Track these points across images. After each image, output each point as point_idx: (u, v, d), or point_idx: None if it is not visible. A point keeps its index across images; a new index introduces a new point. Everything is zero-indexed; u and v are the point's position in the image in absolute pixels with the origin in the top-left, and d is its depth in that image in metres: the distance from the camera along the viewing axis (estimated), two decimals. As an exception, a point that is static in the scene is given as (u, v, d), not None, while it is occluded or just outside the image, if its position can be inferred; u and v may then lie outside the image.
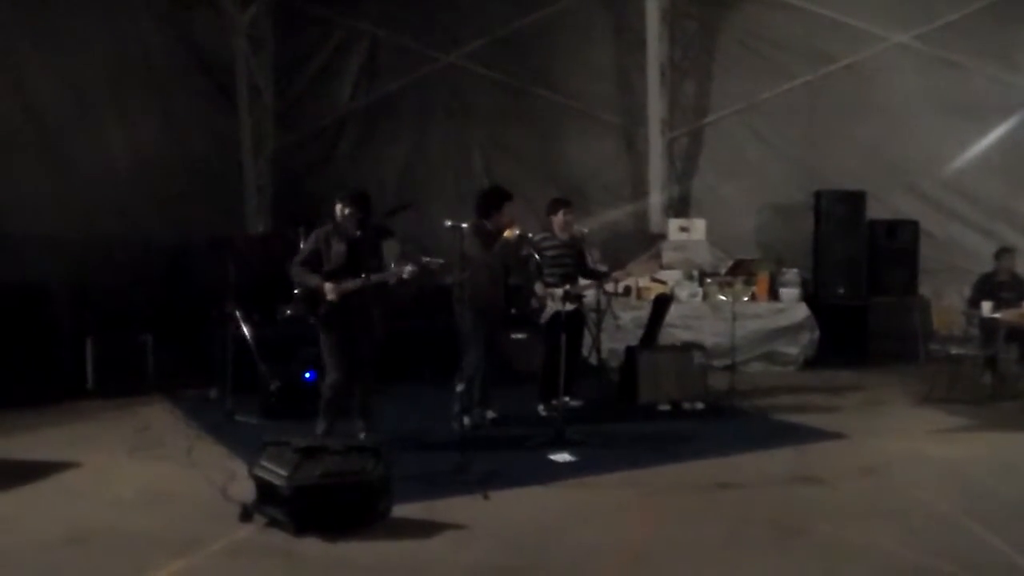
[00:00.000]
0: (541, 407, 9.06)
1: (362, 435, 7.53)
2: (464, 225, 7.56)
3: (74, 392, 9.97)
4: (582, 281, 9.28)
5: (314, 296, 7.52)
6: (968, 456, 7.66)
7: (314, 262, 7.57)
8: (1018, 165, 12.19)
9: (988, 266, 10.94)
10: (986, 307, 9.97)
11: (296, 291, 8.18)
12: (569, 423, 7.98)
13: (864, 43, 12.69)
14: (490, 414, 8.73)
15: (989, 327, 10.12)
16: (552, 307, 8.66)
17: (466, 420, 7.68)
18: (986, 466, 7.39)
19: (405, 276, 7.55)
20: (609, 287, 9.86)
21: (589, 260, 9.61)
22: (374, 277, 7.53)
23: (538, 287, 8.80)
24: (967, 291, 11.11)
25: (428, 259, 7.73)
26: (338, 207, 7.57)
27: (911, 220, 12.51)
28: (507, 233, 8.36)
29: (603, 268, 9.56)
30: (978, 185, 12.44)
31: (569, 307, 8.73)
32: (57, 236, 10.69)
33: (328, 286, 7.43)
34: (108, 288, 11.01)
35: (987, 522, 5.88)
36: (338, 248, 7.55)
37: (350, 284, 7.46)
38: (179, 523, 5.99)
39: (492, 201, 8.60)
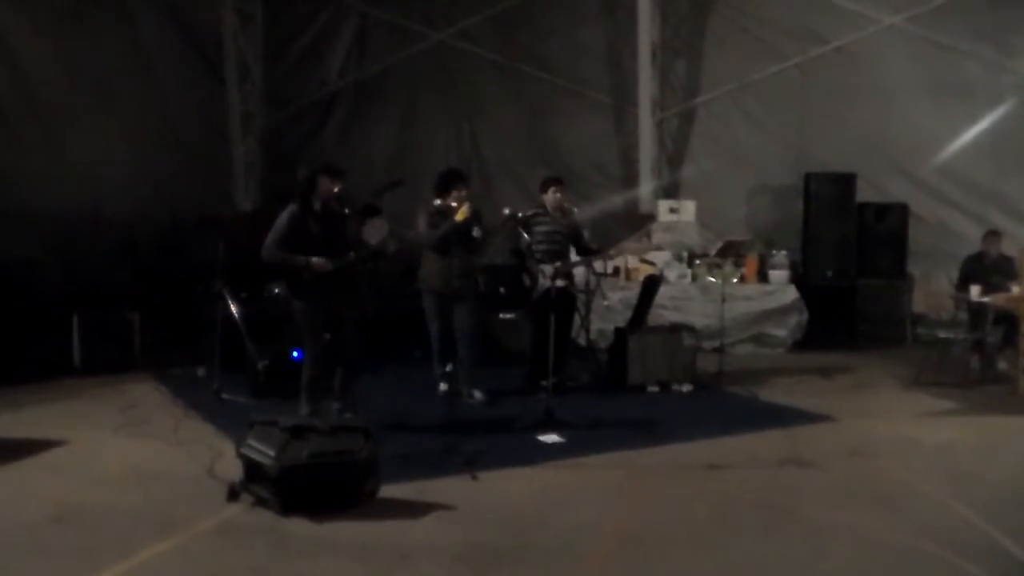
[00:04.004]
0: (528, 387, 9.07)
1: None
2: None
3: (60, 369, 9.93)
4: (573, 258, 9.30)
5: (296, 272, 7.39)
6: (955, 439, 7.69)
7: (288, 245, 7.35)
8: (1009, 149, 12.17)
9: (977, 249, 10.96)
10: (974, 291, 9.98)
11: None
12: (558, 404, 7.96)
13: (856, 25, 12.64)
14: (478, 394, 8.72)
15: (977, 311, 10.15)
16: (544, 284, 8.66)
17: (442, 386, 7.71)
18: (973, 449, 7.42)
19: (390, 248, 7.55)
20: (598, 266, 9.87)
21: (585, 237, 9.61)
22: (359, 254, 7.47)
23: (530, 263, 8.83)
24: (955, 274, 11.13)
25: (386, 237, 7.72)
26: (324, 182, 7.43)
27: (900, 203, 12.51)
28: (458, 216, 8.42)
29: (594, 246, 9.55)
30: (968, 169, 12.42)
31: (560, 283, 8.72)
32: (44, 213, 10.62)
33: (319, 260, 7.30)
34: (95, 265, 10.98)
35: (974, 505, 5.90)
36: (314, 229, 7.38)
37: (339, 261, 7.38)
38: (165, 502, 5.97)
39: (443, 183, 8.69)
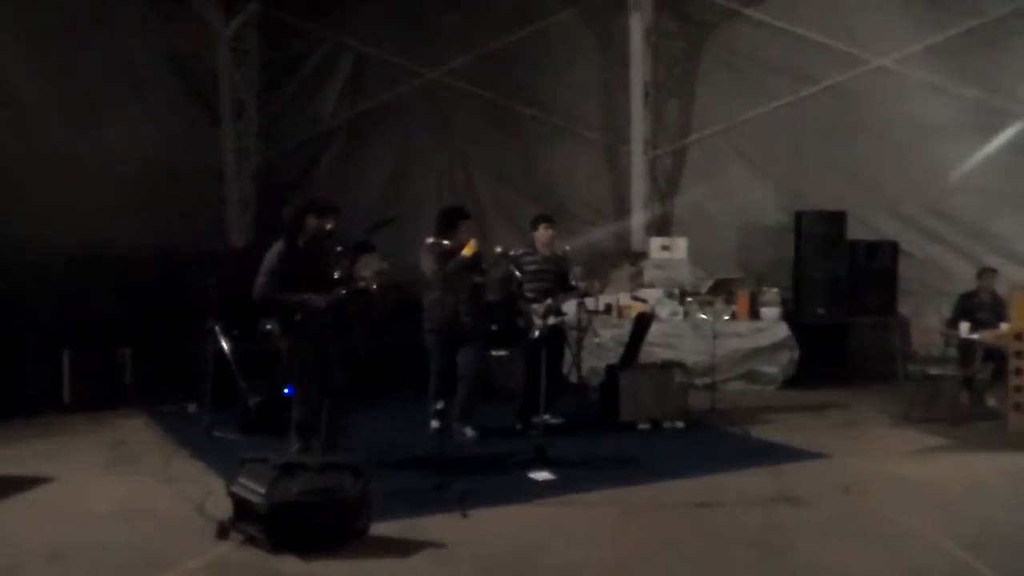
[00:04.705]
0: (520, 425, 9.07)
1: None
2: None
3: (50, 405, 9.91)
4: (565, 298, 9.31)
5: (288, 309, 7.37)
6: (945, 476, 7.69)
7: (278, 284, 7.33)
8: (997, 187, 12.26)
9: (966, 286, 11.03)
10: (964, 327, 10.04)
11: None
12: (549, 441, 7.95)
13: (846, 65, 12.75)
14: (469, 431, 8.71)
15: (967, 347, 10.19)
16: (539, 324, 8.67)
17: (434, 423, 7.78)
18: (963, 486, 7.42)
19: (373, 285, 7.58)
20: (590, 303, 9.88)
21: (571, 277, 9.62)
22: (348, 289, 7.48)
23: (521, 304, 8.85)
24: (946, 311, 11.18)
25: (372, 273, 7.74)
26: (312, 221, 7.43)
27: (891, 241, 12.57)
28: (465, 251, 8.49)
29: (575, 284, 9.51)
30: (957, 207, 12.51)
31: (552, 321, 8.74)
32: (36, 247, 10.58)
33: (315, 296, 7.29)
34: (87, 300, 10.95)
35: (963, 542, 5.89)
36: (301, 267, 7.36)
37: (332, 295, 7.39)
38: (155, 540, 5.95)
39: (449, 220, 8.73)
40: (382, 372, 10.44)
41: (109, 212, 11.74)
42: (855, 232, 12.55)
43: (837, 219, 12.41)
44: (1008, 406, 9.18)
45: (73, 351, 10.20)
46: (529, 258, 9.12)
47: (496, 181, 14.35)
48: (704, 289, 12.10)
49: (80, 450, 8.36)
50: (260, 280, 7.36)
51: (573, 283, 9.43)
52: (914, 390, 10.07)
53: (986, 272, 10.83)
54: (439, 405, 7.73)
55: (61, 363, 10.14)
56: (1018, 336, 9.11)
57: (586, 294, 9.37)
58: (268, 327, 10.02)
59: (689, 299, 12.23)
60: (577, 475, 7.50)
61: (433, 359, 8.74)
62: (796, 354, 11.98)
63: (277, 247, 7.45)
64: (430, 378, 8.74)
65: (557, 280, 9.24)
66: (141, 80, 12.96)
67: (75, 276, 11.06)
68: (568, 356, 9.68)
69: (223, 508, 6.09)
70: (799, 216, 12.55)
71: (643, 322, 10.44)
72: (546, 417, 8.28)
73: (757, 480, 7.55)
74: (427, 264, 8.60)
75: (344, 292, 7.44)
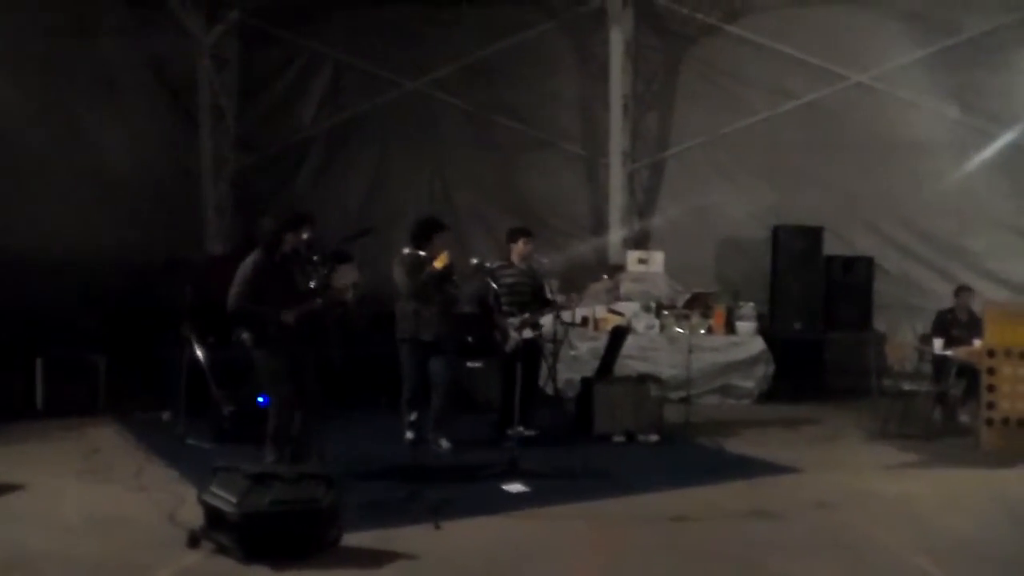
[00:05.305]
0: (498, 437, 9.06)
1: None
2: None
3: (23, 412, 9.83)
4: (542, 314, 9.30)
5: (262, 320, 7.36)
6: (918, 491, 7.72)
7: (253, 295, 7.34)
8: (973, 205, 12.40)
9: (941, 303, 11.12)
10: (938, 344, 10.13)
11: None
12: (524, 453, 7.94)
13: (825, 81, 12.86)
14: (444, 443, 8.70)
15: (940, 363, 10.26)
16: (515, 337, 8.66)
17: (408, 434, 7.75)
18: (935, 501, 7.46)
19: (349, 295, 7.59)
20: (566, 316, 9.89)
21: (547, 290, 9.62)
22: (324, 299, 7.48)
23: (497, 317, 8.86)
24: (920, 327, 11.25)
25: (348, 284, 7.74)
26: (294, 236, 7.45)
27: (867, 256, 12.65)
28: (436, 263, 8.51)
29: (551, 298, 9.51)
30: (934, 224, 12.65)
31: (528, 334, 8.75)
32: (8, 253, 10.54)
33: (286, 314, 7.28)
34: (61, 307, 10.87)
35: (935, 557, 5.92)
36: (277, 279, 7.39)
37: (305, 307, 7.38)
38: (125, 549, 5.90)
39: (424, 231, 8.78)
40: (357, 382, 10.40)
41: (84, 218, 11.71)
42: (831, 247, 12.62)
43: (814, 234, 12.48)
44: (980, 422, 9.25)
45: (46, 358, 10.13)
46: (505, 271, 9.13)
47: (475, 192, 14.35)
48: (680, 303, 12.14)
49: (52, 458, 8.30)
50: (234, 290, 7.36)
51: (550, 296, 9.43)
52: (888, 405, 10.11)
53: (963, 290, 10.91)
54: (413, 416, 7.72)
55: (34, 370, 10.07)
56: (990, 353, 9.19)
57: (563, 308, 9.36)
58: (244, 335, 10.03)
59: (665, 312, 12.25)
60: (550, 487, 7.49)
61: (405, 369, 8.76)
62: (771, 368, 12.02)
63: (252, 258, 7.44)
64: (403, 388, 8.76)
65: (533, 293, 9.25)
66: (119, 86, 12.91)
67: (49, 282, 10.96)
68: (544, 368, 9.67)
69: (195, 517, 6.04)
70: (776, 231, 12.61)
71: (619, 335, 10.46)
72: (520, 429, 8.27)
73: (731, 494, 7.57)
74: (399, 275, 8.64)
75: (320, 302, 7.43)
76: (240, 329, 7.65)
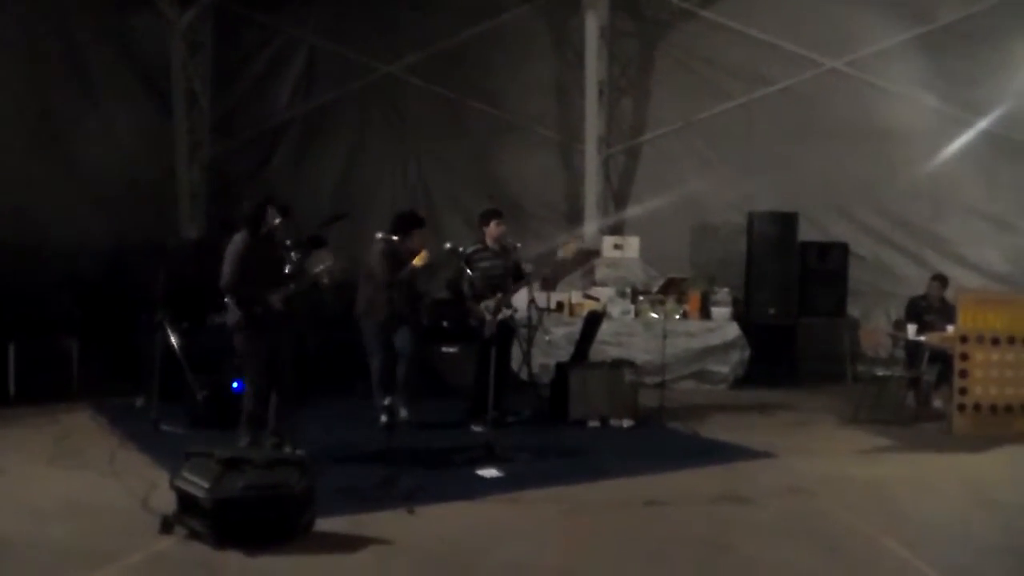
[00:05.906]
0: (474, 425, 9.05)
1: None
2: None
3: (-6, 398, 9.76)
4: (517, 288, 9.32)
5: (249, 301, 7.36)
6: (890, 475, 7.78)
7: (244, 274, 7.35)
8: (946, 192, 12.46)
9: (915, 289, 11.18)
10: (911, 329, 10.19)
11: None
12: (498, 438, 7.95)
13: (800, 67, 12.89)
14: (403, 412, 8.70)
15: (913, 349, 10.32)
16: (490, 321, 8.66)
17: (383, 419, 7.79)
18: (908, 486, 7.51)
19: (325, 280, 7.59)
20: (541, 301, 9.91)
21: (522, 267, 9.62)
22: (300, 283, 7.47)
23: (470, 304, 8.88)
24: (894, 313, 11.31)
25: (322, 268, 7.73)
26: (271, 212, 7.43)
27: (842, 243, 12.70)
28: (416, 261, 8.60)
29: (528, 268, 9.54)
30: (908, 211, 12.71)
31: (503, 314, 8.78)
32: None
33: (273, 296, 7.30)
34: (34, 292, 10.78)
35: (907, 541, 5.96)
36: (264, 260, 7.42)
37: (286, 290, 7.38)
38: (97, 534, 5.88)
39: (404, 225, 8.87)
40: (331, 367, 10.37)
41: (58, 203, 11.61)
42: (806, 233, 12.66)
43: (789, 220, 12.51)
44: (952, 407, 9.33)
45: (19, 343, 10.04)
46: (480, 255, 9.14)
47: (449, 177, 14.33)
48: (655, 288, 12.16)
49: (25, 443, 8.25)
50: (228, 269, 7.35)
51: (526, 269, 9.45)
52: (862, 391, 10.17)
53: (937, 279, 10.96)
54: (387, 401, 7.70)
55: (6, 355, 9.98)
56: (963, 338, 9.26)
57: (540, 280, 9.39)
58: (226, 319, 10.00)
59: (640, 298, 12.26)
60: (525, 472, 7.50)
61: (370, 351, 8.86)
62: (746, 354, 12.06)
63: (239, 237, 7.44)
64: (370, 368, 8.87)
65: (507, 273, 9.25)
66: (92, 71, 12.80)
67: (22, 267, 10.87)
68: (518, 353, 9.68)
69: (168, 503, 6.02)
70: (751, 216, 12.64)
71: (594, 320, 10.47)
72: (495, 414, 8.27)
73: (705, 479, 7.60)
74: (378, 264, 8.70)
75: (294, 287, 7.42)
76: (225, 311, 7.62)
